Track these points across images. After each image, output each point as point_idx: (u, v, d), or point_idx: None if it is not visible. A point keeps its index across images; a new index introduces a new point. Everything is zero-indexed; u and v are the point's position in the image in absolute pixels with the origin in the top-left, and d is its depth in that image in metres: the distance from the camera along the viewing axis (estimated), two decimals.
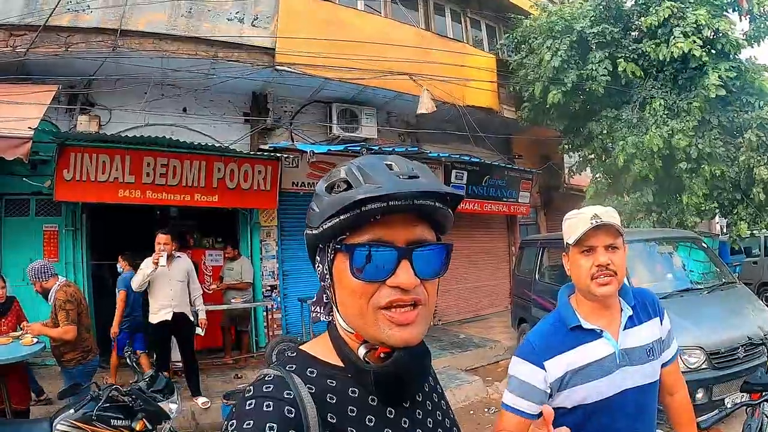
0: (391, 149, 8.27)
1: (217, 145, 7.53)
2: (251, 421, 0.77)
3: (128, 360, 4.35)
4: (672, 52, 7.71)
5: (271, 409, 0.79)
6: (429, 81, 8.56)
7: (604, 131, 8.75)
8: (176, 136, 7.25)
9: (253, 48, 7.52)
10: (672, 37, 7.79)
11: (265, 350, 6.55)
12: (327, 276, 0.91)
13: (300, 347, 0.97)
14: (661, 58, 8.00)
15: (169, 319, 5.69)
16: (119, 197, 6.92)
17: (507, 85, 10.24)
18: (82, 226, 7.50)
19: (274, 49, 7.54)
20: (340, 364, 0.91)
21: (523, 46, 9.87)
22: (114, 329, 6.19)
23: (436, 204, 0.85)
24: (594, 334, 1.74)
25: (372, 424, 0.86)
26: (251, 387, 0.85)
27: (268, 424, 0.76)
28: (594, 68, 8.34)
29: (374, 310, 0.84)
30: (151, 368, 4.50)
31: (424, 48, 8.91)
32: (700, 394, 4.46)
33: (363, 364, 0.88)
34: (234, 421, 0.78)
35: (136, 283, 5.66)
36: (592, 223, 1.65)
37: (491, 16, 11.36)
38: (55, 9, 6.92)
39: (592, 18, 8.73)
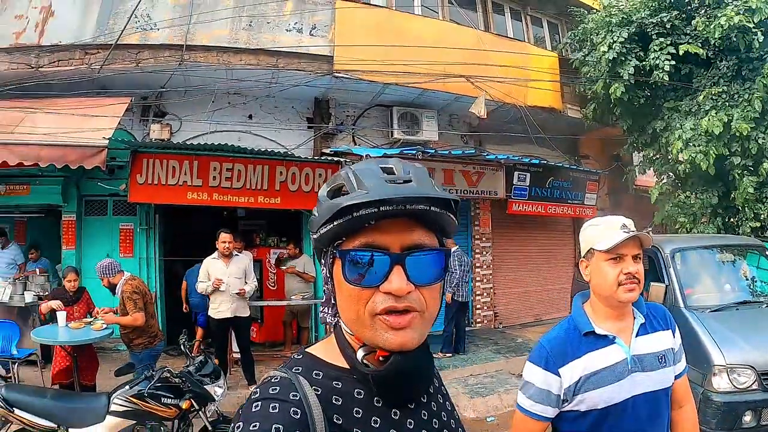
0: (447, 152, 8.22)
1: (281, 149, 7.83)
2: (257, 423, 0.78)
3: (181, 346, 4.69)
4: (721, 25, 7.25)
5: (277, 410, 0.79)
6: (488, 83, 8.39)
7: (665, 125, 8.40)
8: (243, 142, 7.69)
9: (313, 56, 7.72)
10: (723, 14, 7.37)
11: None
12: (329, 279, 0.92)
13: (306, 350, 0.97)
14: (716, 36, 7.47)
15: (229, 316, 6.10)
16: (188, 199, 7.43)
17: (571, 84, 9.91)
18: (155, 225, 8.14)
19: (332, 57, 7.71)
20: (346, 365, 0.91)
21: (585, 42, 9.54)
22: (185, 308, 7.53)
23: (431, 208, 0.83)
24: (607, 340, 1.79)
25: (377, 425, 0.86)
26: (258, 389, 0.86)
27: (274, 426, 0.77)
28: (656, 56, 7.96)
29: (370, 316, 0.83)
30: (200, 353, 4.80)
31: (482, 50, 8.75)
32: (747, 417, 4.07)
33: (362, 367, 0.88)
34: (241, 423, 0.79)
35: (199, 289, 6.18)
36: (625, 233, 1.72)
37: (552, 13, 11.08)
38: (124, 29, 7.49)
39: (652, 7, 8.38)
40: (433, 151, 8.15)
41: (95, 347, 5.92)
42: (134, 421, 3.83)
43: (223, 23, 7.62)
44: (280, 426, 0.77)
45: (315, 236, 0.89)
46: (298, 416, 0.79)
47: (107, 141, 6.43)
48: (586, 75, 9.23)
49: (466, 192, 9.34)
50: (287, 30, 7.74)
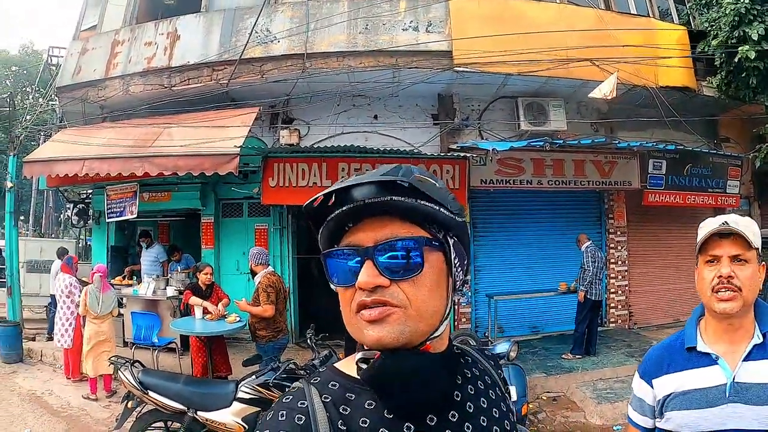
0: (576, 141, 7.71)
1: (408, 147, 7.84)
2: (267, 430, 0.81)
3: (308, 340, 4.89)
4: None
5: (284, 418, 0.81)
6: (614, 64, 7.79)
7: None
8: (370, 142, 7.84)
9: (431, 53, 7.64)
10: None
11: None
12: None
13: (334, 364, 0.97)
14: None
15: None
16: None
17: (702, 58, 9.01)
18: (288, 225, 8.62)
19: (451, 52, 7.59)
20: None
21: (712, 4, 8.68)
22: None
23: (392, 198, 0.80)
24: (708, 359, 1.55)
25: None
26: (277, 400, 0.90)
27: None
28: None
29: (354, 315, 0.82)
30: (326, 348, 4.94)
31: (605, 29, 8.18)
32: None
33: (357, 371, 0.87)
34: (256, 431, 0.83)
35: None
36: (716, 229, 1.52)
37: None
38: (247, 44, 7.80)
39: None
40: (561, 141, 7.69)
41: (227, 338, 6.48)
42: (258, 408, 4.02)
43: (339, 29, 7.76)
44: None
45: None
46: (302, 422, 0.80)
47: (239, 149, 6.76)
48: (714, 37, 8.36)
49: (598, 183, 8.77)
50: (403, 29, 7.75)
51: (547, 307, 8.87)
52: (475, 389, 0.95)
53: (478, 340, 6.17)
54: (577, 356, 7.43)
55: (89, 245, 13.67)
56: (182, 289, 7.12)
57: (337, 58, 7.67)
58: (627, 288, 9.54)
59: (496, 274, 8.79)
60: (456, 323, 8.28)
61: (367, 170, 7.38)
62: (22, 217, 20.92)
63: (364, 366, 0.85)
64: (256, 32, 7.87)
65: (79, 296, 6.79)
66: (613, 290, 9.38)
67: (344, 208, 0.80)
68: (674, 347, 1.65)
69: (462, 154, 7.62)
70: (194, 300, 6.06)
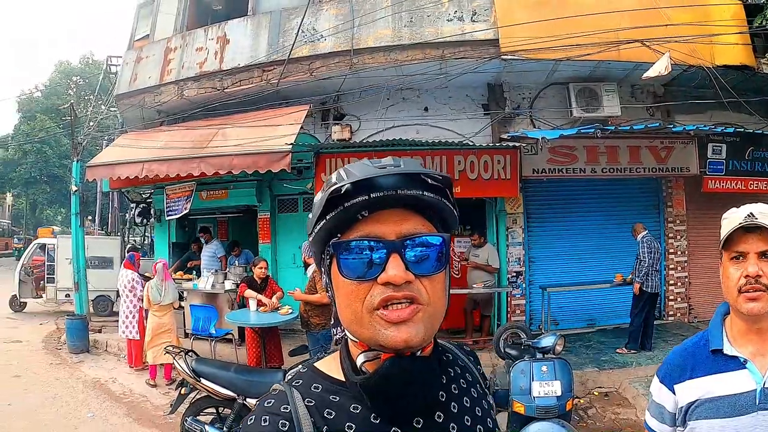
0: (629, 127, 7.46)
1: (460, 138, 7.79)
2: None
3: None
4: None
5: (267, 423, 0.79)
6: (666, 44, 7.50)
7: None
8: (421, 135, 7.86)
9: (477, 42, 7.56)
10: None
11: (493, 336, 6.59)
12: (329, 285, 0.87)
13: (313, 363, 0.94)
14: None
15: None
16: None
17: (760, 33, 8.55)
18: None
19: (497, 40, 7.48)
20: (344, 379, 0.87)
21: None
22: None
23: (425, 193, 0.79)
24: (736, 363, 1.42)
25: None
26: (258, 402, 0.87)
27: None
28: None
29: (369, 313, 0.78)
30: None
31: (655, 8, 7.89)
32: None
33: (352, 375, 0.83)
34: None
35: None
36: (741, 223, 1.38)
37: None
38: (294, 44, 7.96)
39: None
40: (613, 127, 7.45)
41: (281, 330, 6.72)
42: None
43: (384, 23, 7.81)
44: None
45: (311, 238, 0.85)
46: (286, 428, 0.78)
47: (290, 146, 6.96)
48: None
49: (654, 170, 8.45)
50: (448, 20, 7.70)
51: (604, 299, 8.64)
52: (459, 388, 0.93)
53: (529, 333, 6.09)
54: (632, 351, 7.21)
55: (153, 242, 14.32)
56: (238, 283, 7.37)
57: (384, 52, 7.72)
58: (686, 279, 9.14)
59: (551, 266, 8.63)
60: (509, 315, 8.21)
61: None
62: (89, 218, 22.24)
63: (364, 370, 0.82)
64: (303, 32, 8.01)
65: (142, 291, 7.19)
66: (671, 282, 9.02)
67: (372, 196, 0.76)
68: (698, 349, 1.51)
69: (513, 144, 7.53)
70: (249, 293, 6.31)
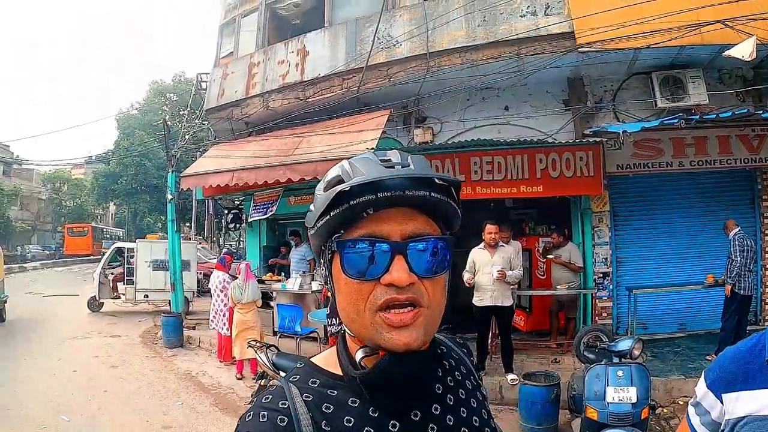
0: (714, 115, 7.01)
1: (541, 136, 7.66)
2: None
3: None
4: None
5: (266, 419, 0.79)
6: (751, 23, 6.97)
7: None
8: (503, 134, 7.80)
9: (553, 36, 7.40)
10: None
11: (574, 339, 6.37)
12: (329, 278, 0.87)
13: (310, 358, 0.94)
14: None
15: (490, 304, 6.19)
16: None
17: None
18: None
19: (572, 32, 7.26)
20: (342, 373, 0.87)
21: None
22: None
23: (432, 194, 0.78)
24: None
25: None
26: (254, 399, 0.78)
27: None
28: None
29: (371, 313, 0.78)
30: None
31: None
32: None
33: (350, 370, 0.83)
34: None
35: (465, 279, 6.34)
36: None
37: None
38: (371, 51, 8.22)
39: None
40: (697, 116, 6.91)
41: None
42: None
43: (457, 25, 7.85)
44: None
45: (311, 232, 0.85)
46: (285, 423, 0.78)
47: (373, 150, 7.01)
48: None
49: (746, 161, 7.83)
50: (521, 16, 7.60)
51: (695, 301, 8.12)
52: (454, 380, 0.94)
53: (610, 336, 5.87)
54: None
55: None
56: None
57: (459, 53, 7.75)
58: None
59: (639, 266, 8.17)
60: (594, 318, 7.93)
61: (499, 163, 7.24)
62: (187, 224, 23.92)
63: (363, 365, 0.82)
64: (379, 38, 8.26)
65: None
66: None
67: (379, 196, 0.75)
68: (751, 356, 1.24)
69: (595, 139, 7.28)
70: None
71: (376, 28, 8.25)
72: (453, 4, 8.00)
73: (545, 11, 7.57)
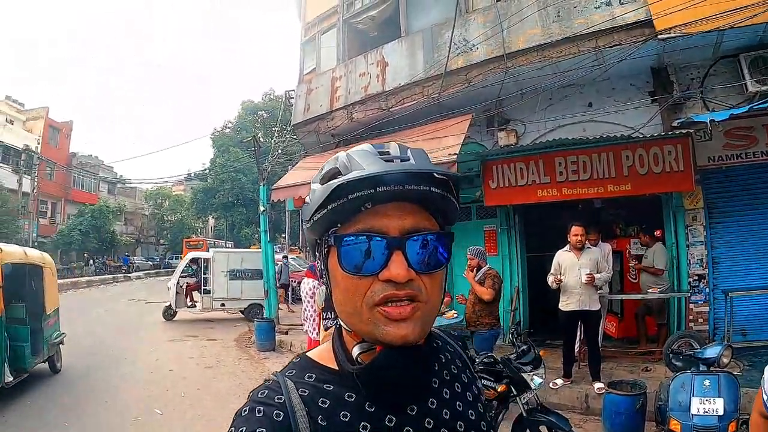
0: None
1: (628, 131, 7.34)
2: (243, 427, 0.77)
3: (510, 336, 5.08)
4: None
5: (262, 414, 0.78)
6: None
7: None
8: (588, 132, 7.67)
9: (630, 25, 7.10)
10: None
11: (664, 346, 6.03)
12: (324, 273, 0.85)
13: (306, 353, 0.94)
14: None
15: (577, 309, 5.97)
16: (538, 197, 7.69)
17: None
18: (515, 225, 8.78)
19: (650, 20, 6.92)
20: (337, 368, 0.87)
21: None
22: None
23: (431, 189, 0.77)
24: None
25: (366, 431, 0.80)
26: (250, 393, 0.85)
27: (258, 429, 0.76)
28: None
29: (369, 308, 0.77)
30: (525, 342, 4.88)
31: None
32: None
33: (347, 365, 0.83)
34: (232, 428, 0.78)
35: (549, 282, 6.20)
36: None
37: None
38: (449, 57, 8.36)
39: None
40: None
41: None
42: None
43: (532, 22, 7.80)
44: (264, 429, 0.76)
45: (307, 225, 0.84)
46: (281, 419, 0.78)
47: (455, 156, 7.29)
48: None
49: None
50: (596, 8, 7.37)
51: None
52: (450, 374, 0.94)
53: (702, 342, 5.56)
54: None
55: None
56: None
57: (536, 52, 7.68)
58: None
59: (737, 267, 7.42)
60: (688, 324, 7.38)
61: (584, 162, 7.13)
62: (282, 235, 25.19)
63: (360, 361, 0.83)
64: (455, 44, 8.38)
65: None
66: None
67: (378, 190, 0.75)
68: None
69: (682, 131, 6.81)
70: None
71: (452, 34, 8.38)
72: (525, 2, 7.92)
73: (620, 0, 7.30)
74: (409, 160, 0.79)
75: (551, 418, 4.13)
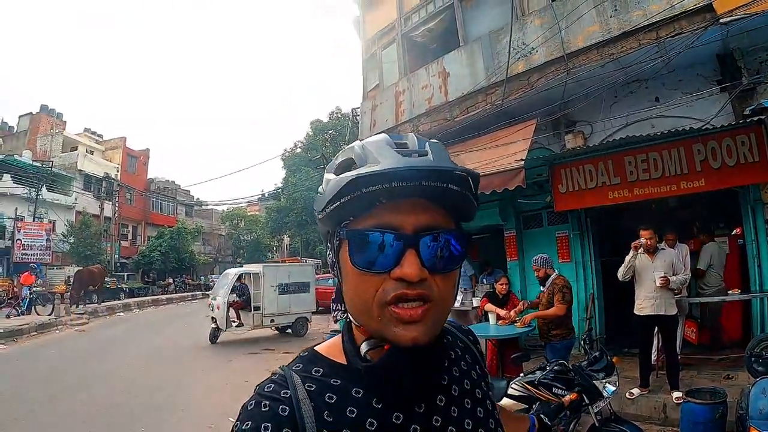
0: None
1: (698, 124, 7.08)
2: (249, 422, 0.77)
3: (581, 342, 4.99)
4: None
5: (268, 408, 0.78)
6: None
7: None
8: (657, 127, 7.43)
9: (690, 12, 6.88)
10: None
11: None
12: (336, 265, 0.84)
13: (314, 347, 0.92)
14: None
15: (651, 313, 5.74)
16: (609, 199, 7.53)
17: None
18: (588, 229, 8.60)
19: (710, 3, 6.69)
20: (346, 362, 0.86)
21: None
22: None
23: (450, 186, 0.75)
24: None
25: (373, 428, 0.78)
26: (257, 387, 0.85)
27: (263, 424, 0.76)
28: None
29: (379, 306, 0.76)
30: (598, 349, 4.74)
31: None
32: None
33: (356, 361, 0.82)
34: (238, 422, 0.78)
35: (619, 273, 6.02)
36: None
37: None
38: (509, 62, 8.46)
39: None
40: None
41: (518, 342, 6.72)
42: (525, 405, 3.98)
43: (590, 20, 7.74)
44: (269, 424, 0.76)
45: (320, 216, 0.82)
46: (286, 413, 0.77)
47: (522, 162, 7.28)
48: None
49: None
50: None
51: None
52: (459, 371, 0.92)
53: None
54: None
55: None
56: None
57: (596, 49, 7.59)
58: None
59: None
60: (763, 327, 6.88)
61: (654, 160, 7.09)
62: None
63: (368, 357, 0.82)
64: (514, 48, 8.44)
65: None
66: None
67: (394, 185, 0.73)
68: None
69: (754, 119, 6.39)
70: (489, 307, 6.66)
71: (509, 39, 8.42)
72: (578, 1, 7.87)
73: None
74: (427, 154, 0.77)
75: (625, 428, 3.99)
